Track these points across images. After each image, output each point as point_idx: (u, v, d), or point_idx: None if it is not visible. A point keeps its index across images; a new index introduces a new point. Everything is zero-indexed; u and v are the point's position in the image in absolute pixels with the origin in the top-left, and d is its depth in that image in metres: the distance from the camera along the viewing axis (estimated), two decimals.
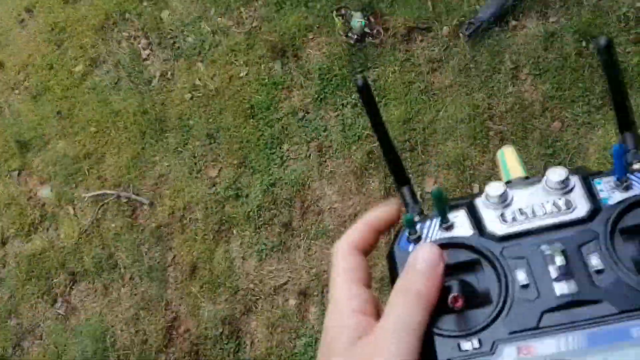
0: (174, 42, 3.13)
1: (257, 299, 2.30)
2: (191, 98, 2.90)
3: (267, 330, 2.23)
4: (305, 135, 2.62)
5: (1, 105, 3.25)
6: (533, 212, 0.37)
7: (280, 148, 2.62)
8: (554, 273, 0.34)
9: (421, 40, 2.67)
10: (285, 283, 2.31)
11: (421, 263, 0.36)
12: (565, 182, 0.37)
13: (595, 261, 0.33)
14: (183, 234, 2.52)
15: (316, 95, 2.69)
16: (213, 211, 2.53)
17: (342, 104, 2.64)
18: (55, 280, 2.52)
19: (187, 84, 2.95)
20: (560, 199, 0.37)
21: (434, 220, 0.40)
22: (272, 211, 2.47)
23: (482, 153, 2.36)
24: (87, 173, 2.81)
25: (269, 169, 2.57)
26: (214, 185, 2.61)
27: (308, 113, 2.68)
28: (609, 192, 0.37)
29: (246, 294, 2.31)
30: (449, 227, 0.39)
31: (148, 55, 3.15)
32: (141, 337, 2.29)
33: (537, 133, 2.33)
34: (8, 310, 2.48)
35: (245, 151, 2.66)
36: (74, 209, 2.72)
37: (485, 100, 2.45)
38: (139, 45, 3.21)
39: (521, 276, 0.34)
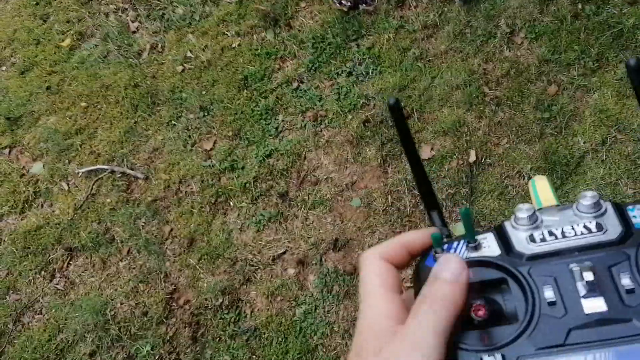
0: (163, 14, 3.07)
1: (256, 269, 2.30)
2: (183, 70, 2.86)
3: (267, 299, 2.24)
4: (300, 105, 2.59)
5: None
6: (563, 233, 0.36)
7: (275, 119, 2.60)
8: (582, 290, 0.33)
9: (416, 6, 2.64)
10: (283, 253, 2.31)
11: (445, 272, 0.36)
12: (596, 205, 0.36)
13: (626, 281, 0.33)
14: (179, 207, 2.50)
15: (310, 65, 2.66)
16: (209, 184, 2.52)
17: (337, 73, 2.61)
18: (52, 256, 2.51)
19: (178, 56, 2.90)
20: (591, 221, 0.36)
21: (462, 240, 0.40)
22: (268, 182, 2.46)
23: (479, 119, 2.36)
24: (79, 148, 2.77)
25: (264, 140, 2.55)
26: (209, 158, 2.59)
27: (302, 83, 2.65)
28: None
29: (245, 265, 2.31)
30: (477, 247, 0.39)
31: (137, 27, 3.09)
32: (141, 309, 2.30)
33: (533, 97, 2.32)
34: (6, 286, 2.47)
35: (240, 123, 2.63)
36: (67, 184, 2.69)
37: (481, 66, 2.43)
38: (127, 18, 3.14)
39: (549, 293, 0.34)
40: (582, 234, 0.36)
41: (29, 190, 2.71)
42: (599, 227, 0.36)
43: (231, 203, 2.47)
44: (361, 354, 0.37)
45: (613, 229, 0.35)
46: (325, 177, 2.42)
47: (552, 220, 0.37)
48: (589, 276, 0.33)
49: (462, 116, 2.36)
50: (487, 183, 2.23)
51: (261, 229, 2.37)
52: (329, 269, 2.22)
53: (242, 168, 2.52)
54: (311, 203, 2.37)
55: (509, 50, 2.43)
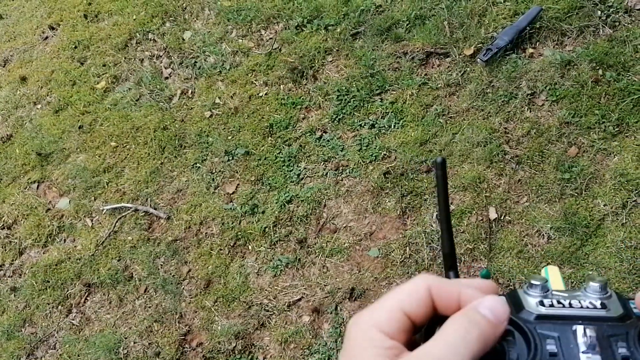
0: (195, 62, 3.21)
1: (271, 315, 2.30)
2: (211, 116, 2.96)
3: (280, 346, 2.22)
4: (323, 154, 2.65)
5: (23, 119, 3.32)
6: (570, 304, 0.40)
7: (297, 166, 2.66)
8: (582, 346, 0.36)
9: (439, 65, 2.73)
10: (299, 299, 2.31)
11: (487, 309, 0.34)
12: (602, 288, 0.40)
13: (623, 350, 0.36)
14: (199, 248, 2.53)
15: (334, 116, 2.73)
16: (229, 226, 2.56)
17: (360, 125, 2.68)
18: (70, 291, 2.53)
19: (207, 102, 3.01)
20: (596, 300, 0.40)
21: None
22: (287, 228, 2.49)
23: (499, 176, 2.38)
24: (106, 186, 2.85)
25: (286, 186, 2.60)
26: (231, 201, 2.64)
27: (325, 132, 2.72)
28: None
29: (260, 309, 2.31)
30: None
31: (170, 74, 3.22)
32: (154, 350, 2.29)
33: (553, 158, 2.35)
34: (23, 319, 2.49)
35: (263, 168, 2.69)
36: (91, 221, 2.75)
37: (501, 125, 2.48)
38: (161, 64, 3.28)
39: (551, 346, 0.36)
40: (588, 307, 0.39)
41: (53, 225, 2.77)
42: (603, 305, 0.39)
43: (250, 247, 2.49)
44: None
45: (615, 309, 0.39)
46: (344, 225, 2.45)
47: (561, 295, 0.41)
48: (591, 333, 0.36)
49: (482, 173, 2.40)
50: (506, 240, 2.23)
51: (278, 274, 2.38)
52: (344, 319, 2.21)
53: (263, 212, 2.56)
54: (329, 251, 2.39)
55: (530, 111, 2.48)
